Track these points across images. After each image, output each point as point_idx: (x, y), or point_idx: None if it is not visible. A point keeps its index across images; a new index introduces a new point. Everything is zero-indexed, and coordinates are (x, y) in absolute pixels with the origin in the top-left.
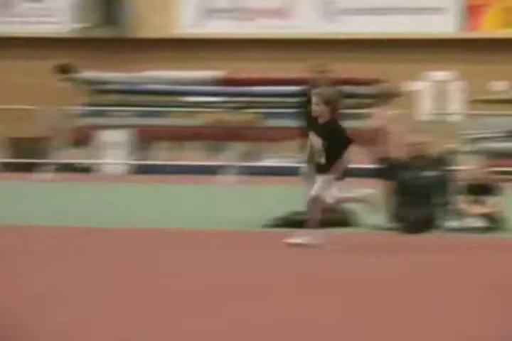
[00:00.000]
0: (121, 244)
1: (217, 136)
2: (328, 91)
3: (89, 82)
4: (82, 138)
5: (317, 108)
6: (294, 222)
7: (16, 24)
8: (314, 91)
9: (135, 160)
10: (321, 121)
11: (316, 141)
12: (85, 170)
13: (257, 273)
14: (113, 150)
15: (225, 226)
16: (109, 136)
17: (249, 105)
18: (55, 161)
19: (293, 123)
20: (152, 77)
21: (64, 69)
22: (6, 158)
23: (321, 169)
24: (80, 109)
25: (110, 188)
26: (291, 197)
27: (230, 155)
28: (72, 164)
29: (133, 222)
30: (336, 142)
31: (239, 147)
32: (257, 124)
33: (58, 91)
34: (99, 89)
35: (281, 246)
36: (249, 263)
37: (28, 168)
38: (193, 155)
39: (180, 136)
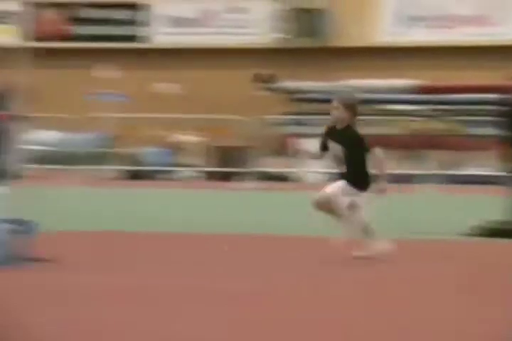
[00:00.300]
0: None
1: (416, 145)
2: (350, 95)
3: (288, 92)
4: (281, 147)
5: (337, 112)
6: (503, 232)
7: (217, 35)
8: (335, 95)
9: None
10: (339, 126)
11: (335, 148)
12: (285, 178)
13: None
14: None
15: (420, 235)
16: (308, 144)
17: (448, 113)
18: (256, 170)
19: (493, 131)
20: (350, 85)
21: (264, 79)
22: (211, 166)
23: (352, 181)
24: (279, 118)
25: (307, 196)
26: (491, 206)
27: (430, 164)
28: (272, 173)
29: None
30: (356, 149)
31: (438, 155)
32: (457, 132)
33: (258, 100)
34: (298, 98)
35: (483, 255)
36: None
37: (231, 176)
38: (392, 164)
39: (378, 145)
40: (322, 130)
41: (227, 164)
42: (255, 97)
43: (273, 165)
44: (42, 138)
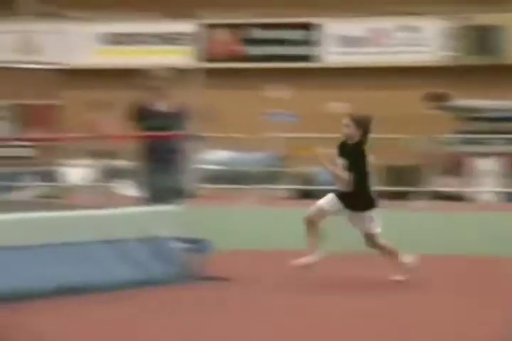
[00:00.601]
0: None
1: None
2: (361, 113)
3: (461, 110)
4: (454, 166)
5: (347, 130)
6: None
7: (388, 54)
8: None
9: (507, 188)
10: (349, 143)
11: (343, 163)
12: (458, 198)
13: None
14: (486, 178)
15: None
16: (481, 163)
17: None
18: (428, 189)
19: None
20: None
21: (437, 98)
22: (383, 185)
23: (354, 204)
24: (452, 137)
25: (482, 217)
26: None
27: None
28: (446, 192)
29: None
30: (361, 166)
31: None
32: None
33: (430, 119)
34: (471, 116)
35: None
36: None
37: (404, 196)
38: None
39: None
40: (496, 149)
41: (399, 183)
42: (427, 116)
43: (446, 185)
44: (214, 157)
